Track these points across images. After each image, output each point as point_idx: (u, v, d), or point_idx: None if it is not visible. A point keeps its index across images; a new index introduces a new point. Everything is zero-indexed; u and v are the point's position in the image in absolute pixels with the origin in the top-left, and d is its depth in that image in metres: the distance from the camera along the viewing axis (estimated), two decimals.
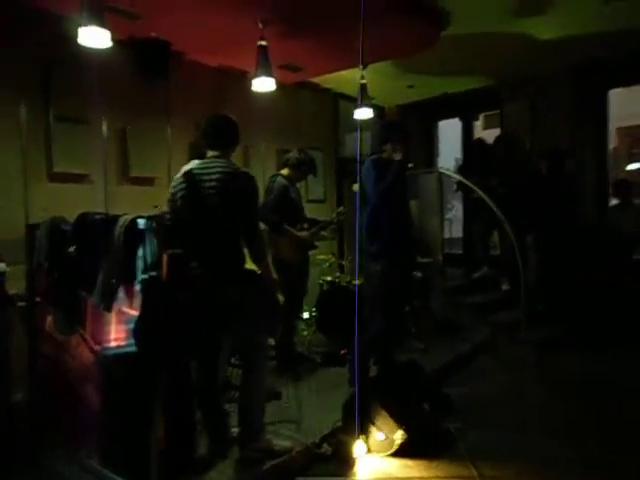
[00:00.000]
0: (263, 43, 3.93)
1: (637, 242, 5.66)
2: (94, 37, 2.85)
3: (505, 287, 5.94)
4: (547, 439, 3.17)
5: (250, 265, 2.68)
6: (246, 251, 2.70)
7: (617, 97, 6.50)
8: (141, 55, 4.21)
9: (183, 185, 2.63)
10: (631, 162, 10.18)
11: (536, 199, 5.57)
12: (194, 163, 2.77)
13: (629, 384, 4.09)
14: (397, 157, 3.53)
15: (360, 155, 3.91)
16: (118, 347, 2.64)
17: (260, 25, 3.87)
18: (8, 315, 2.94)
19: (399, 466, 2.85)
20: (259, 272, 2.68)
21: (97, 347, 2.63)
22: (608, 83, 6.17)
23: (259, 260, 2.68)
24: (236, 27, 3.95)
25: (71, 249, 2.58)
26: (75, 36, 2.91)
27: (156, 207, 2.38)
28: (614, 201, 6.14)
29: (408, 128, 4.08)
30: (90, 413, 2.57)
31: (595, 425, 3.37)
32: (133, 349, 2.39)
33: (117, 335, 2.65)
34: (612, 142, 7.45)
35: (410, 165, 3.73)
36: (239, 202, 2.61)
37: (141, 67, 4.24)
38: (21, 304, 3.00)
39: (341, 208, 4.62)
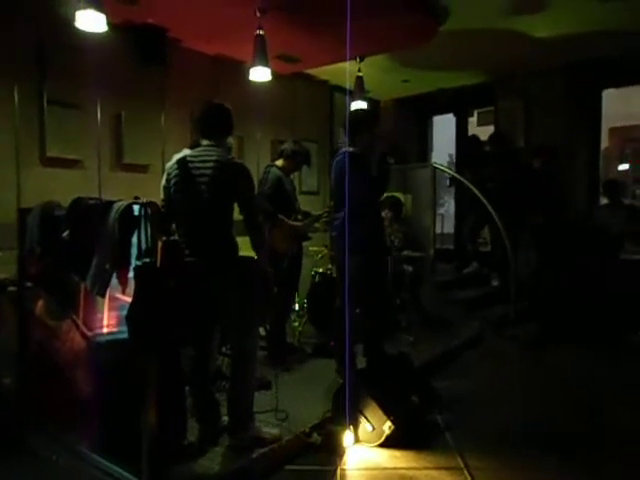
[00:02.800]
0: (260, 32, 3.92)
1: (624, 241, 5.74)
2: (90, 20, 2.83)
3: (495, 283, 6.01)
4: (531, 431, 3.22)
5: (248, 252, 2.68)
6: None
7: (611, 97, 6.56)
8: (137, 41, 4.19)
9: (176, 172, 2.63)
10: (623, 162, 10.27)
11: (529, 196, 5.62)
12: (187, 151, 2.77)
13: (610, 378, 4.16)
14: (377, 150, 3.51)
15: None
16: (110, 333, 2.65)
17: (258, 14, 3.86)
18: None
19: (387, 456, 2.88)
20: (255, 259, 2.69)
21: (89, 333, 2.63)
22: (602, 83, 6.22)
23: (257, 249, 2.69)
24: (233, 15, 3.93)
25: (65, 234, 2.57)
26: (71, 19, 2.89)
27: (137, 198, 2.36)
28: (604, 200, 6.21)
29: (375, 119, 3.93)
30: (81, 399, 2.58)
31: (577, 418, 3.43)
32: (125, 336, 2.39)
33: (109, 321, 2.65)
34: (604, 142, 7.50)
35: (391, 161, 3.68)
36: (232, 192, 2.62)
37: (137, 53, 4.21)
38: (12, 289, 2.98)
39: None
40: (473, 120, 8.26)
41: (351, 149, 3.50)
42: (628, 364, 4.54)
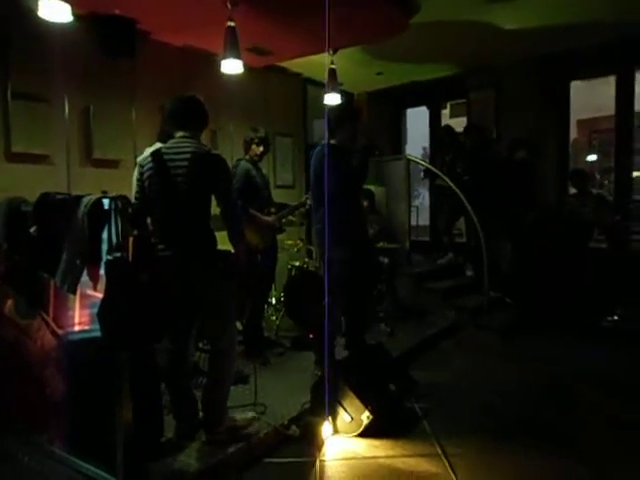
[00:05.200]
0: (232, 24, 3.86)
1: (593, 230, 5.88)
2: (55, 10, 2.75)
3: (469, 273, 6.09)
4: (508, 417, 3.29)
5: (225, 246, 2.65)
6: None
7: (578, 90, 6.68)
8: (105, 33, 4.07)
9: (151, 165, 2.56)
10: (591, 153, 10.49)
11: (513, 188, 5.69)
12: (159, 144, 2.72)
13: (584, 363, 4.27)
14: (359, 142, 3.52)
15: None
16: (82, 331, 2.59)
17: (228, 5, 3.80)
18: None
19: (366, 446, 2.91)
20: (233, 252, 2.66)
21: (60, 331, 2.57)
22: (570, 75, 6.33)
23: (235, 242, 2.66)
24: (204, 6, 3.87)
25: (32, 230, 2.50)
26: (35, 9, 2.80)
27: (104, 192, 2.31)
28: (573, 190, 6.34)
29: (357, 111, 3.97)
30: (53, 398, 2.52)
31: (553, 403, 3.50)
32: (97, 333, 2.34)
33: (81, 319, 2.59)
34: (573, 134, 7.65)
35: (376, 152, 3.70)
36: (209, 183, 2.58)
37: (105, 45, 4.10)
38: None
39: (309, 193, 4.60)
40: (446, 112, 8.33)
41: (332, 141, 3.51)
42: (600, 349, 4.66)
